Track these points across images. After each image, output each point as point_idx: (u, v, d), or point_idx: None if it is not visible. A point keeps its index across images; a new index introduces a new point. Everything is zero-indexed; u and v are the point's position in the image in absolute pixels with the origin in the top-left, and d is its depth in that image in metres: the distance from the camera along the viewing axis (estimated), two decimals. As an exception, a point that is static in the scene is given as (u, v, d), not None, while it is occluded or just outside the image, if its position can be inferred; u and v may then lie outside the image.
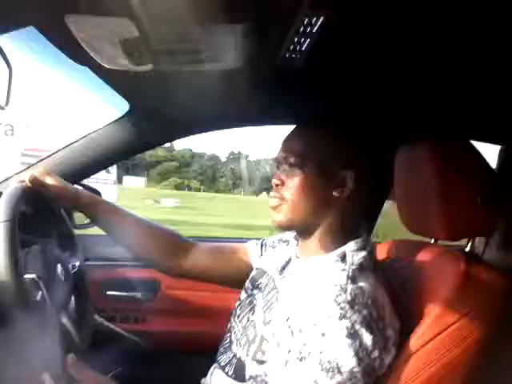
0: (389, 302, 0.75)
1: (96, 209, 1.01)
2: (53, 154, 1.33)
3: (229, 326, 0.97)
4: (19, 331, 0.73)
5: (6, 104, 0.76)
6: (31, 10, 0.62)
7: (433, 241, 0.94)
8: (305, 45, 0.85)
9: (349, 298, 0.68)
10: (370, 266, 0.77)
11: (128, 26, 0.63)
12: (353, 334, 0.65)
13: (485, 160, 0.87)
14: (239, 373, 0.82)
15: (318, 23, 0.76)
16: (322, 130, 0.84)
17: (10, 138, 8.83)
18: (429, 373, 0.72)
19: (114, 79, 0.99)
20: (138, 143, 1.35)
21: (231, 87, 1.02)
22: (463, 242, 0.89)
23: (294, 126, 0.89)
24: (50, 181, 0.95)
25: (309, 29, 0.79)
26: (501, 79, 0.92)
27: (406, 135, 0.99)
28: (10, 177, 1.30)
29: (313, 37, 0.81)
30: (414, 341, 0.74)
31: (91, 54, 0.74)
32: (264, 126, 1.45)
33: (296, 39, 0.84)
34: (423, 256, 0.88)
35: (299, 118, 1.23)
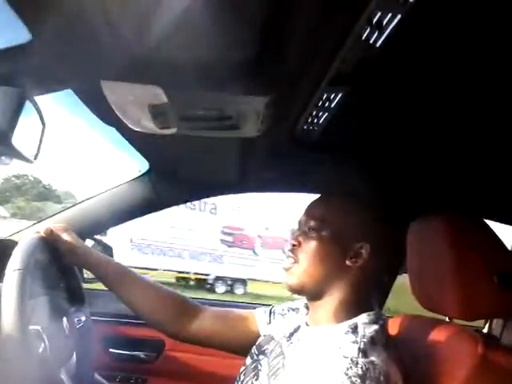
0: (401, 379, 0.71)
1: (105, 269, 1.02)
2: (72, 206, 1.37)
3: None
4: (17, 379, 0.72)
5: (35, 158, 0.79)
6: (70, 76, 0.68)
7: (447, 319, 0.91)
8: (322, 118, 0.89)
9: (360, 372, 0.65)
10: (382, 341, 0.75)
11: (157, 92, 0.67)
12: None
13: (499, 239, 0.86)
14: None
15: (337, 99, 0.81)
16: (342, 200, 0.86)
17: (213, 216, 10.04)
18: None
19: (137, 140, 1.03)
20: (154, 202, 1.38)
21: (249, 154, 1.05)
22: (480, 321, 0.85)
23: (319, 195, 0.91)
24: (64, 236, 0.97)
25: (327, 103, 0.83)
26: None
27: (420, 210, 0.99)
28: (28, 227, 1.33)
29: (331, 111, 0.85)
30: None
31: (120, 116, 0.78)
32: (278, 192, 1.48)
33: (314, 113, 0.88)
34: (438, 335, 0.85)
35: (314, 188, 1.26)
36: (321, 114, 0.88)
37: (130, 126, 0.82)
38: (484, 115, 0.78)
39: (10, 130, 0.62)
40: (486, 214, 1.12)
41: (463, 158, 0.96)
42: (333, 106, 0.83)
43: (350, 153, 1.03)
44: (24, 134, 0.70)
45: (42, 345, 0.80)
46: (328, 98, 0.81)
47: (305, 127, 0.94)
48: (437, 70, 0.68)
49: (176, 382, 1.53)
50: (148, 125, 0.80)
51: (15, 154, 0.68)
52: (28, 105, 0.68)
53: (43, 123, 0.78)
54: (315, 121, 0.92)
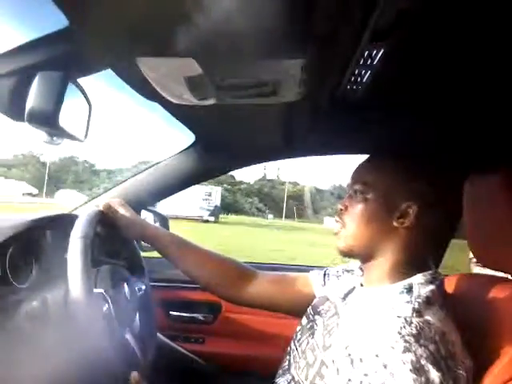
0: (459, 339, 0.70)
1: (161, 241, 1.08)
2: (124, 181, 1.43)
3: (288, 349, 0.96)
4: (86, 340, 0.78)
5: (85, 137, 0.83)
6: (108, 56, 0.69)
7: (510, 277, 0.87)
8: (365, 77, 0.85)
9: (414, 331, 0.65)
10: (439, 301, 0.73)
11: (192, 64, 0.67)
12: (418, 369, 0.61)
13: None
14: None
15: (379, 55, 0.76)
16: (388, 161, 0.83)
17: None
18: None
19: (180, 113, 1.05)
20: (201, 172, 1.42)
21: (292, 119, 1.04)
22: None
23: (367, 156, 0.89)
24: (122, 210, 1.04)
25: (369, 61, 0.79)
26: None
27: (477, 165, 0.94)
28: (88, 202, 1.42)
29: (373, 68, 0.81)
30: (491, 380, 0.69)
31: (160, 91, 0.80)
32: (325, 155, 1.45)
33: (357, 71, 0.84)
34: (498, 293, 0.82)
35: (360, 148, 1.22)
36: (363, 72, 0.84)
37: (170, 99, 0.84)
38: None
39: (57, 111, 0.65)
40: None
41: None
42: (375, 63, 0.78)
43: (396, 110, 0.98)
44: (72, 116, 0.74)
45: (106, 305, 0.87)
46: (370, 55, 0.77)
47: (348, 87, 0.91)
48: (484, 19, 0.62)
49: (233, 342, 1.60)
50: (187, 97, 0.80)
51: (65, 134, 0.72)
52: (72, 87, 0.71)
53: (89, 104, 0.81)
54: (358, 79, 0.88)
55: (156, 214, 1.49)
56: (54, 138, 0.75)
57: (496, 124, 0.99)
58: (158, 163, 1.42)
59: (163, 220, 1.49)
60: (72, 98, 0.72)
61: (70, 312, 0.79)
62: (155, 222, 1.46)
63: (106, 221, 1.01)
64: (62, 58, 0.64)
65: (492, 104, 0.89)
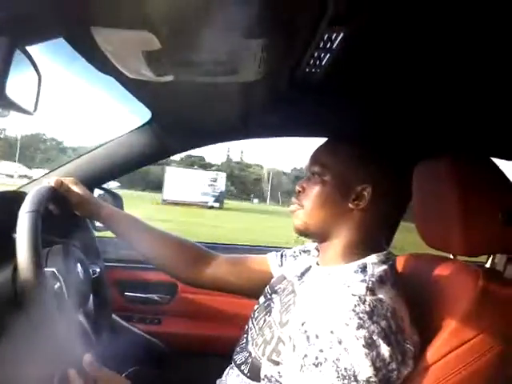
0: (408, 315, 0.74)
1: (116, 221, 1.04)
2: (76, 158, 1.38)
3: (246, 327, 0.98)
4: (37, 320, 0.75)
5: (35, 110, 0.79)
6: (60, 23, 0.66)
7: (452, 256, 0.93)
8: (324, 60, 0.86)
9: (367, 308, 0.68)
10: (391, 279, 0.77)
11: (150, 38, 0.65)
12: (370, 344, 0.65)
13: (505, 177, 0.86)
14: (254, 372, 0.83)
15: (338, 39, 0.77)
16: (345, 144, 0.85)
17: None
18: None
19: (136, 89, 1.02)
20: (157, 151, 1.39)
21: (251, 99, 1.04)
22: (484, 258, 0.86)
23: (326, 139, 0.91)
24: (75, 188, 0.98)
25: (328, 44, 0.80)
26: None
27: (426, 151, 0.98)
28: (39, 178, 1.36)
29: (332, 53, 0.82)
30: (432, 353, 0.74)
31: (115, 65, 0.77)
32: (280, 137, 1.46)
33: (316, 54, 0.85)
34: (442, 271, 0.87)
35: (318, 131, 1.24)
36: (322, 55, 0.85)
37: (126, 74, 0.81)
38: (488, 51, 0.74)
39: (3, 80, 0.61)
40: (493, 152, 1.11)
41: (467, 97, 0.93)
42: (334, 46, 0.79)
43: (353, 95, 1.00)
44: (20, 86, 0.69)
45: (58, 284, 0.84)
46: (329, 39, 0.78)
47: (307, 69, 0.91)
48: (444, 6, 0.64)
49: (191, 322, 1.60)
50: (144, 72, 0.78)
51: (12, 105, 0.68)
52: (20, 56, 0.66)
53: (38, 74, 0.76)
54: (317, 62, 0.89)
55: (110, 192, 1.45)
56: (1, 110, 0.71)
57: (445, 114, 1.04)
58: (112, 140, 1.37)
59: (117, 199, 1.45)
60: (20, 67, 0.67)
61: (18, 290, 0.75)
62: (107, 200, 1.41)
63: (57, 198, 0.95)
64: (9, 21, 0.60)
65: (444, 94, 0.93)
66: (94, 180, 1.35)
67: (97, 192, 1.39)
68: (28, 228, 0.77)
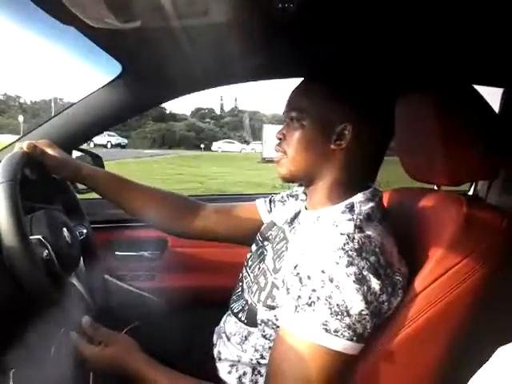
0: (396, 248, 0.77)
1: (98, 181, 1.01)
2: (48, 120, 1.32)
3: (240, 276, 1.00)
4: (27, 288, 0.74)
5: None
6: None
7: (436, 187, 0.94)
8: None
9: (356, 246, 0.69)
10: (378, 216, 0.78)
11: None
12: (361, 280, 0.67)
13: (488, 105, 0.86)
14: (251, 318, 0.86)
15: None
16: (320, 84, 0.83)
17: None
18: (432, 311, 0.75)
19: (103, 40, 0.96)
20: (132, 105, 1.34)
21: (225, 42, 0.99)
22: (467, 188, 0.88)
23: (298, 82, 0.88)
24: (50, 151, 0.94)
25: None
26: (501, 21, 0.88)
27: (407, 86, 0.97)
28: (10, 144, 1.31)
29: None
30: (418, 283, 0.76)
31: (77, 13, 0.71)
32: (263, 80, 1.41)
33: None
34: (426, 202, 0.89)
35: (296, 70, 1.20)
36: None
37: (90, 23, 0.76)
38: None
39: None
40: (474, 79, 1.09)
41: (448, 23, 0.91)
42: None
43: (328, 29, 0.96)
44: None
45: (46, 251, 0.82)
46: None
47: (280, 5, 0.87)
48: None
49: (184, 275, 1.63)
50: (108, 20, 0.73)
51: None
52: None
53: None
54: (291, -4, 0.84)
55: (89, 153, 1.41)
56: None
57: (424, 44, 1.02)
58: (83, 98, 1.31)
59: (97, 159, 1.42)
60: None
61: (6, 263, 0.73)
62: (87, 161, 1.37)
63: (33, 163, 0.91)
64: None
65: (423, 21, 0.90)
66: (69, 141, 1.30)
67: (75, 154, 1.35)
68: (6, 198, 0.74)
